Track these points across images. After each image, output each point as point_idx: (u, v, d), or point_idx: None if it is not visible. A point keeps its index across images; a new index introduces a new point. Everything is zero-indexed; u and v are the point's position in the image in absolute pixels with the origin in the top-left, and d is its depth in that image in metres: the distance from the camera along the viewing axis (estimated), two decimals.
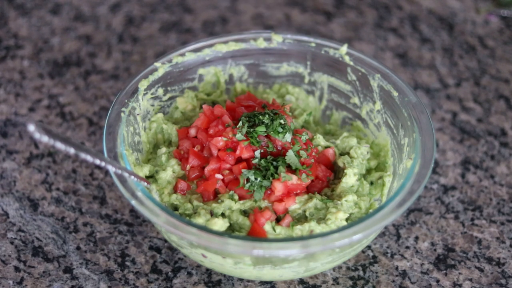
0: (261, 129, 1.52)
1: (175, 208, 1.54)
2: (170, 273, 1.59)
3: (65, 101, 1.92)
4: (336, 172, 1.61)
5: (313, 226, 1.48)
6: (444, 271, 1.60)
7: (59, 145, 1.32)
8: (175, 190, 1.55)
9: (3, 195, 1.71)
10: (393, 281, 1.58)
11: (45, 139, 1.29)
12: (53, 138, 1.30)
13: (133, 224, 1.66)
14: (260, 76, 1.76)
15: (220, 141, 1.52)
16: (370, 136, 1.70)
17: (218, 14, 2.18)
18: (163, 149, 1.59)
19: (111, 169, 1.44)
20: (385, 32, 2.13)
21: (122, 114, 1.56)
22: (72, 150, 1.35)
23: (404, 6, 2.21)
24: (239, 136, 1.52)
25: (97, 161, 1.40)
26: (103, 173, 1.75)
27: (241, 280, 1.58)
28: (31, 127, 1.27)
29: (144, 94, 1.63)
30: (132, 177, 1.46)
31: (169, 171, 1.55)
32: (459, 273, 1.60)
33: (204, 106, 1.60)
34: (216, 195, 1.53)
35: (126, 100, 1.59)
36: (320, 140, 1.61)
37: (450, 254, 1.63)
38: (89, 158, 1.38)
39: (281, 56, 1.73)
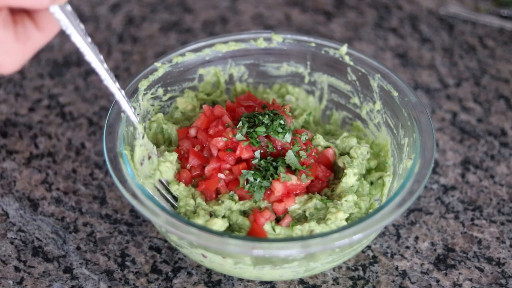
0: (261, 129, 1.52)
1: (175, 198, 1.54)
2: (170, 273, 1.59)
3: (65, 101, 1.92)
4: (336, 172, 1.61)
5: (313, 226, 1.48)
6: (444, 271, 1.60)
7: (76, 38, 1.30)
8: (178, 179, 1.54)
9: (3, 195, 1.71)
10: (393, 281, 1.58)
11: (63, 21, 1.26)
12: (71, 27, 1.27)
13: (133, 224, 1.66)
14: (260, 76, 1.76)
15: (220, 141, 1.52)
16: (370, 136, 1.70)
17: (218, 14, 2.18)
18: (163, 149, 1.59)
19: (117, 94, 1.43)
20: (385, 32, 2.13)
21: (122, 114, 1.56)
22: (85, 51, 1.32)
23: (404, 6, 2.21)
24: (239, 136, 1.52)
25: (106, 78, 1.39)
26: (103, 173, 1.75)
27: (241, 280, 1.58)
28: (55, 8, 1.23)
29: (144, 94, 1.63)
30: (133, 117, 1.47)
31: (169, 163, 1.55)
32: (459, 273, 1.60)
33: (204, 106, 1.60)
34: (217, 194, 1.53)
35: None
36: (320, 140, 1.61)
37: (450, 254, 1.63)
38: (99, 69, 1.37)
39: (281, 56, 1.73)
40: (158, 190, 1.52)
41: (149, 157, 1.54)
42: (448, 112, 1.92)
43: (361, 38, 2.11)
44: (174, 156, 1.56)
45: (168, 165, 1.55)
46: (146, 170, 1.53)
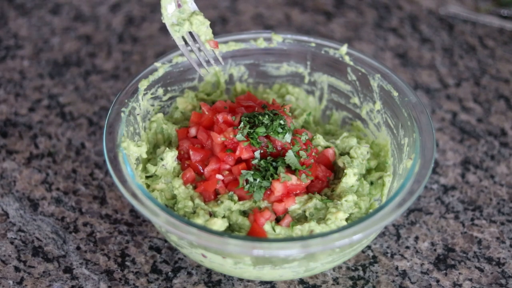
0: (261, 130, 1.52)
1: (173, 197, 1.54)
2: (170, 273, 1.59)
3: (65, 101, 1.92)
4: (336, 172, 1.61)
5: (313, 226, 1.48)
6: (444, 271, 1.60)
7: None
8: (183, 181, 1.54)
9: (3, 195, 1.71)
10: (393, 281, 1.58)
11: None
12: None
13: (133, 224, 1.66)
14: (260, 76, 1.76)
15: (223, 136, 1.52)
16: (370, 136, 1.70)
17: (218, 14, 2.18)
18: (163, 149, 1.59)
19: None
20: (385, 32, 2.13)
21: (122, 114, 1.56)
22: None
23: (404, 6, 2.21)
24: (239, 136, 1.52)
25: None
26: (103, 173, 1.75)
27: (241, 280, 1.58)
28: None
29: (144, 94, 1.63)
30: None
31: (170, 159, 1.55)
32: (459, 273, 1.60)
33: (202, 104, 1.59)
34: (216, 195, 1.53)
35: (126, 100, 1.59)
36: (320, 140, 1.61)
37: (450, 254, 1.63)
38: None
39: (281, 56, 1.73)
40: (185, 41, 1.48)
41: (179, 5, 1.50)
42: (448, 112, 1.92)
43: (361, 38, 2.11)
44: (174, 153, 1.56)
45: (200, 18, 1.52)
46: (174, 18, 1.50)
